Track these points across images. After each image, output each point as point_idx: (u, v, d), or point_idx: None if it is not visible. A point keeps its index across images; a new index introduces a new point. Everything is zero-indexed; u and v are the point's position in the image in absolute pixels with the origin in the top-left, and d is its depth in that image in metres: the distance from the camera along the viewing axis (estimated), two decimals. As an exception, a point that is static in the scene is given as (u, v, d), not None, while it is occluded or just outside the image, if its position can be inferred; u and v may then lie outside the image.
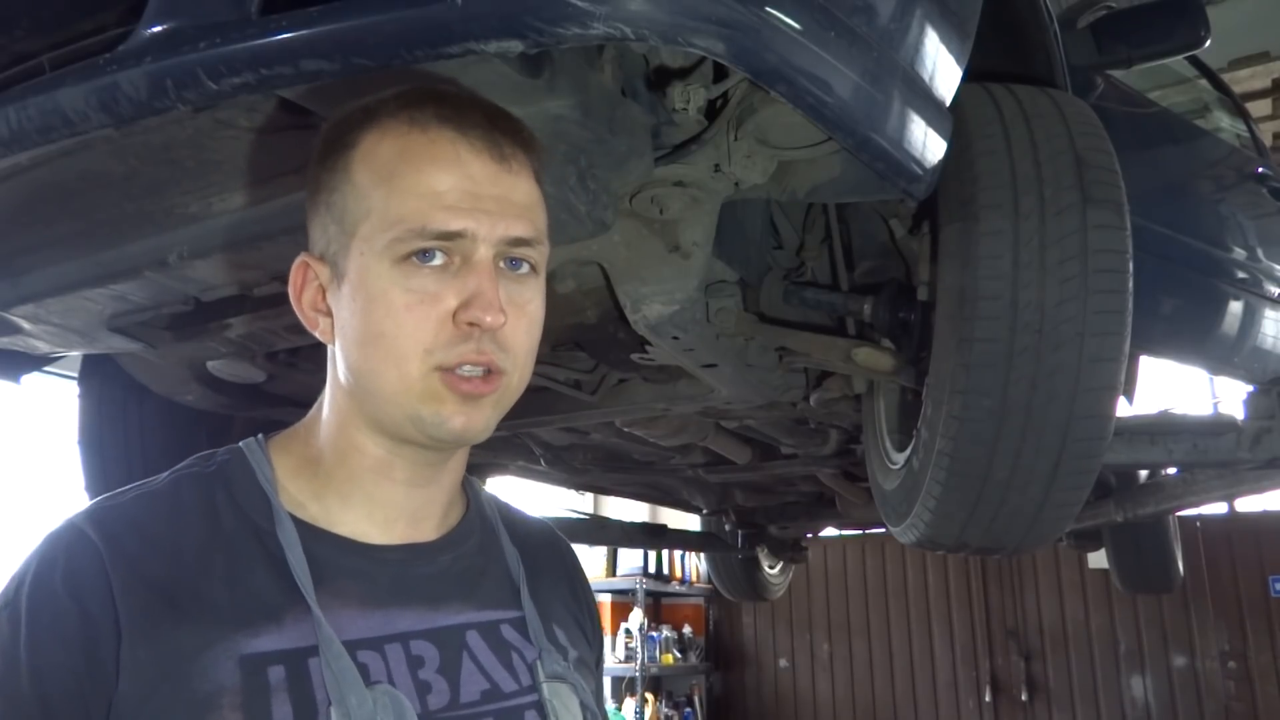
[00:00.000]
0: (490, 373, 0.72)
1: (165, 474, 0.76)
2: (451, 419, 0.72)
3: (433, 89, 0.75)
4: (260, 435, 0.80)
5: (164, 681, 0.64)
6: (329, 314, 0.75)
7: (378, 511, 0.77)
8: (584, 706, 0.79)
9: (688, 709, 6.85)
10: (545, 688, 0.77)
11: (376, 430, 0.75)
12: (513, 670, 0.77)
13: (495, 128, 0.73)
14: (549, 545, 0.93)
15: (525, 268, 0.74)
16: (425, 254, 0.70)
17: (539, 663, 0.79)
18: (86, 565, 0.67)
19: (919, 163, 1.05)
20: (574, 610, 0.89)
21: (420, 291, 0.70)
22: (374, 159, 0.72)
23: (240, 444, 0.79)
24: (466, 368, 0.71)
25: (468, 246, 0.70)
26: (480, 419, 0.73)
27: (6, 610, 0.67)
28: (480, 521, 0.86)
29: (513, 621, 0.81)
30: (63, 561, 0.68)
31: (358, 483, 0.77)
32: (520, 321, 0.73)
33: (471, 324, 0.70)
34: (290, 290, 0.78)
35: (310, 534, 0.74)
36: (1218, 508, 5.83)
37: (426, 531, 0.80)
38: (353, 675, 0.68)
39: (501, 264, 0.72)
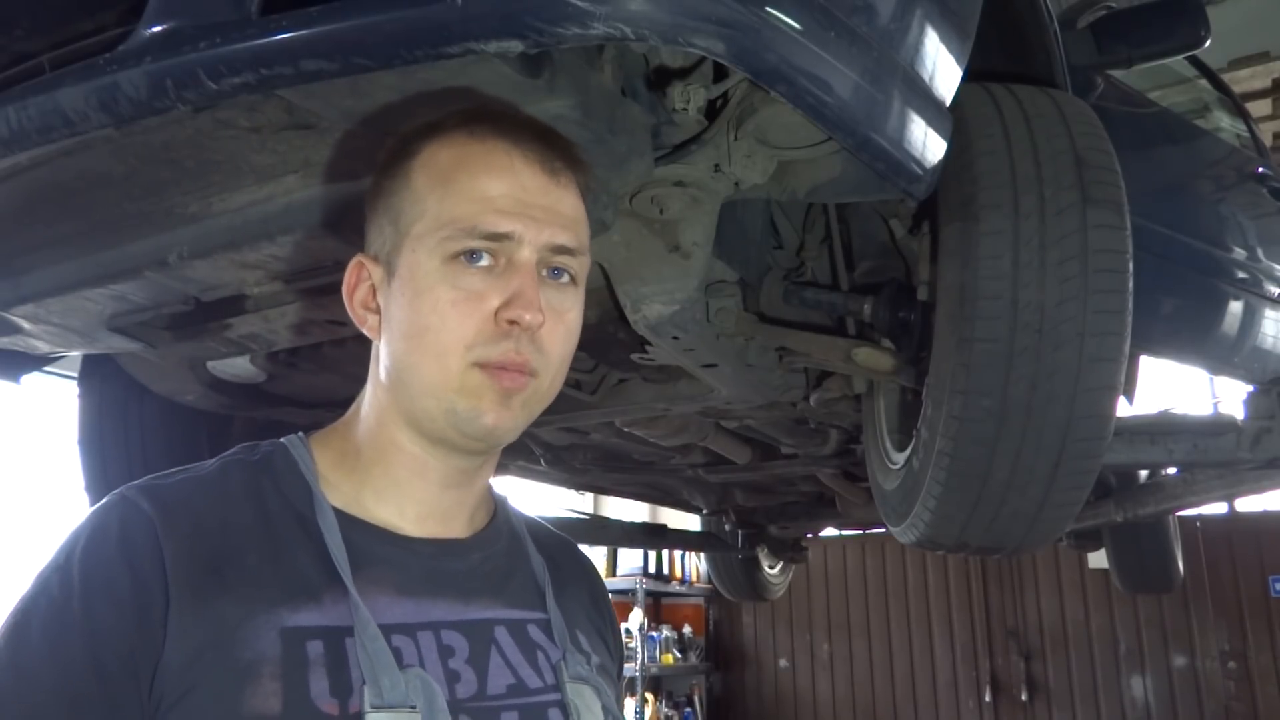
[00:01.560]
0: (523, 371, 0.75)
1: (212, 460, 0.79)
2: (485, 414, 0.75)
3: (492, 109, 0.81)
4: (301, 432, 0.83)
5: (208, 649, 0.66)
6: (378, 312, 0.79)
7: (410, 508, 0.80)
8: (606, 710, 0.81)
9: (688, 709, 6.85)
10: (569, 688, 0.79)
11: (413, 429, 0.78)
12: (538, 668, 0.79)
13: (547, 143, 0.78)
14: (572, 558, 0.96)
15: (566, 277, 0.78)
16: (473, 255, 0.74)
17: (563, 663, 0.81)
18: (140, 532, 0.70)
19: (919, 163, 1.05)
20: (596, 621, 0.91)
21: (466, 289, 0.74)
22: (433, 165, 0.76)
23: (283, 439, 0.82)
24: (504, 365, 0.74)
25: (513, 249, 0.74)
26: (510, 418, 0.76)
27: (58, 574, 0.69)
28: (507, 527, 0.89)
29: (538, 623, 0.83)
30: (117, 528, 0.70)
31: (393, 479, 0.80)
32: (558, 328, 0.77)
33: (512, 322, 0.73)
34: (344, 288, 0.81)
35: (348, 522, 0.77)
36: (1218, 508, 5.83)
37: (456, 530, 0.83)
38: (387, 657, 0.70)
39: (544, 272, 0.76)
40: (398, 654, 0.71)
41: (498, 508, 0.90)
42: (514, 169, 0.75)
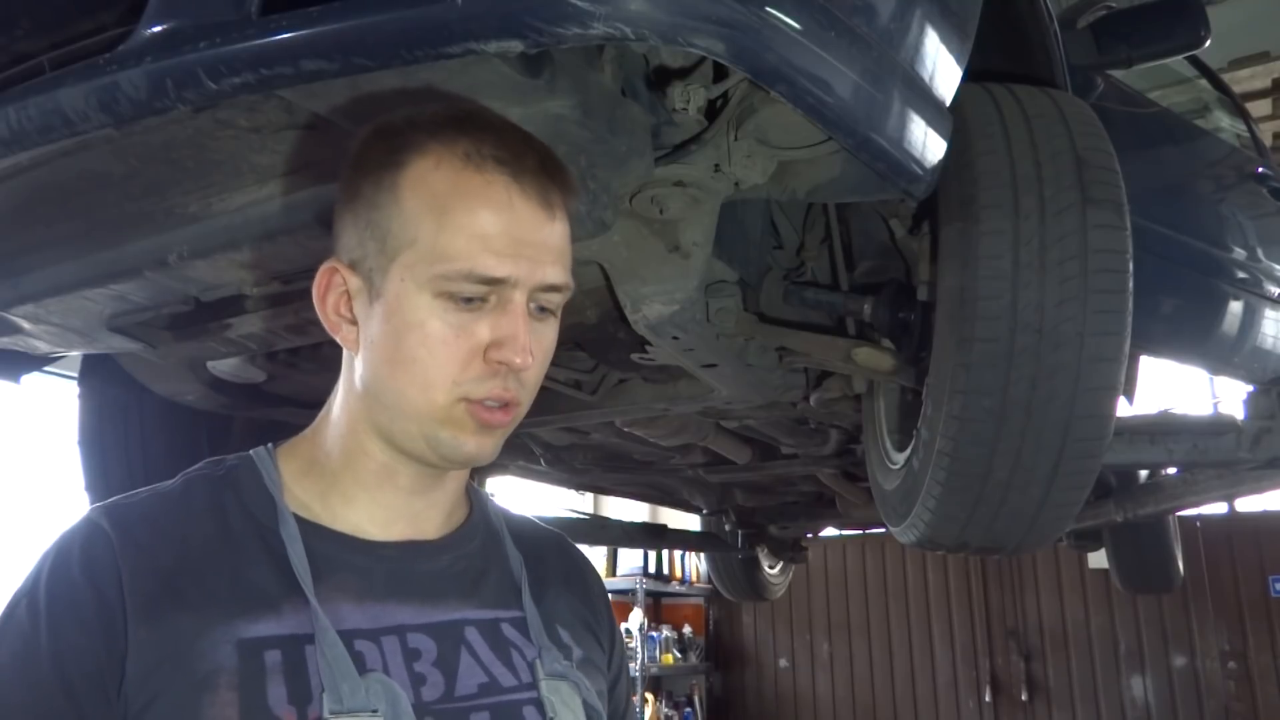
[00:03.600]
0: (508, 405, 0.76)
1: (177, 477, 0.79)
2: (466, 444, 0.76)
3: (485, 118, 0.77)
4: (270, 444, 0.83)
5: (165, 662, 0.67)
6: (353, 322, 0.77)
7: (379, 512, 0.80)
8: (587, 705, 0.80)
9: (688, 709, 6.85)
10: (545, 685, 0.79)
11: (385, 440, 0.78)
12: (512, 667, 0.79)
13: (545, 174, 0.75)
14: (557, 551, 0.94)
15: (549, 311, 0.78)
16: (467, 297, 0.73)
17: (539, 661, 0.80)
18: (100, 552, 0.71)
19: (919, 163, 1.05)
20: (583, 613, 0.90)
21: (457, 326, 0.73)
22: (426, 187, 0.73)
23: (250, 451, 0.82)
24: (489, 401, 0.74)
25: (507, 290, 0.73)
26: (490, 445, 0.77)
27: (25, 599, 0.70)
28: (484, 526, 0.88)
29: (513, 620, 0.82)
30: (79, 550, 0.71)
31: (361, 484, 0.79)
32: (539, 361, 0.77)
33: (501, 362, 0.73)
34: (314, 291, 0.79)
35: (312, 531, 0.77)
36: (1218, 508, 5.83)
37: (428, 531, 0.82)
38: (346, 663, 0.70)
39: (531, 307, 0.75)
40: (360, 659, 0.71)
41: (475, 506, 0.89)
42: (512, 206, 0.73)
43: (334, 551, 0.76)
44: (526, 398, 0.77)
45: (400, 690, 0.71)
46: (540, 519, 0.99)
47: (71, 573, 0.70)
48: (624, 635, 6.08)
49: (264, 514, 0.76)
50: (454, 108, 0.78)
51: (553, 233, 0.75)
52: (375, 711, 0.69)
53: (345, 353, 0.80)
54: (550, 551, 0.93)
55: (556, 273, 0.75)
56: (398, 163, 0.74)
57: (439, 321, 0.73)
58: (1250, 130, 3.07)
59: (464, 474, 0.85)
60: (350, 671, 0.70)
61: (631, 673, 6.08)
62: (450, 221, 0.72)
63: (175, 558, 0.72)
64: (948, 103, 1.11)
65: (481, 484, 3.09)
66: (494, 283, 0.72)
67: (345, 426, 0.80)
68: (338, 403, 0.81)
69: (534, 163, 0.75)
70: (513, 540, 0.89)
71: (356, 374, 0.78)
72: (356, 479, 0.79)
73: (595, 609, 0.92)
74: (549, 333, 0.79)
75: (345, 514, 0.79)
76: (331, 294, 0.78)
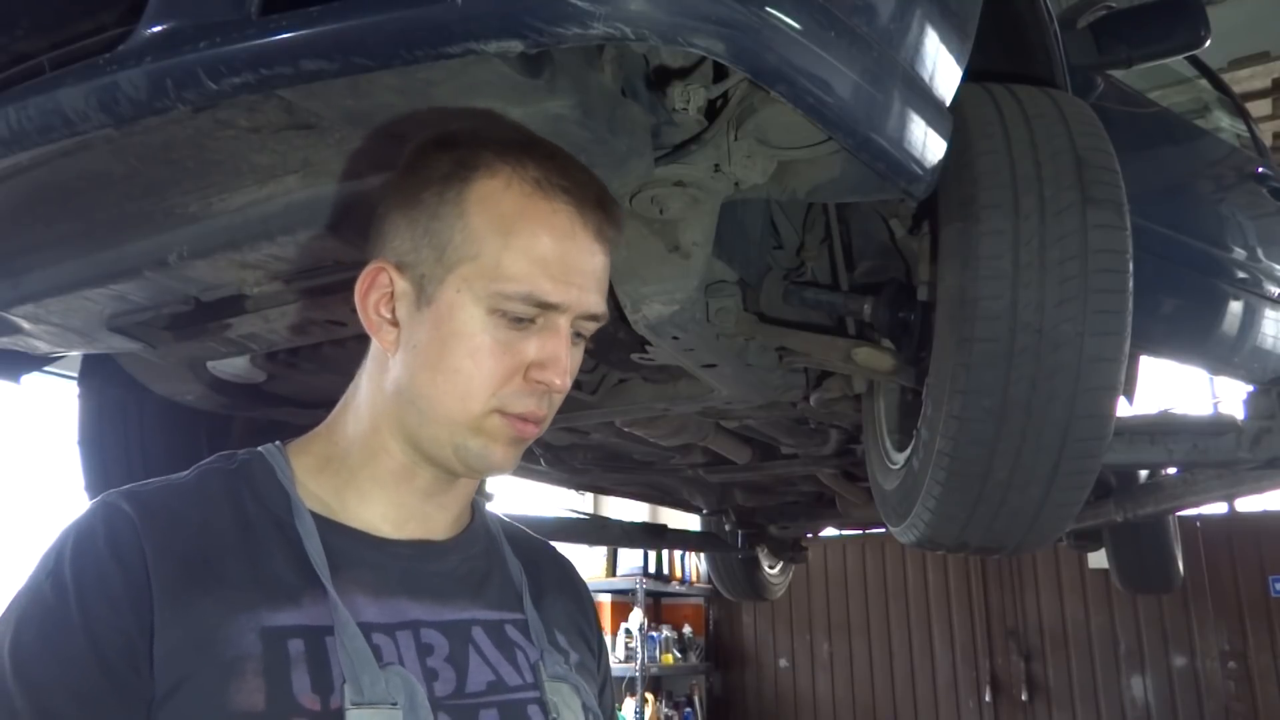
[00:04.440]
0: (537, 421, 0.79)
1: (189, 470, 0.80)
2: (493, 454, 0.79)
3: (548, 146, 0.81)
4: (278, 441, 0.84)
5: (190, 646, 0.68)
6: (394, 323, 0.79)
7: (392, 511, 0.82)
8: (585, 707, 0.82)
9: (688, 709, 6.85)
10: (548, 686, 0.81)
11: (408, 442, 0.80)
12: (517, 666, 0.81)
13: (602, 208, 0.80)
14: (552, 561, 0.97)
15: (583, 337, 0.81)
16: (519, 318, 0.76)
17: (541, 663, 0.82)
18: (124, 531, 0.71)
19: (919, 163, 1.05)
20: (577, 620, 0.92)
21: (505, 343, 0.77)
22: (494, 206, 0.76)
23: (260, 448, 0.83)
24: (524, 415, 0.78)
25: (554, 315, 0.77)
26: (514, 456, 0.81)
27: (50, 578, 0.70)
28: (485, 530, 0.91)
29: (516, 623, 0.84)
30: (102, 529, 0.72)
31: (378, 482, 0.81)
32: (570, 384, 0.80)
33: (541, 382, 0.76)
34: (357, 289, 0.80)
35: (327, 526, 0.78)
36: (1218, 508, 5.83)
37: (437, 532, 0.84)
38: (366, 655, 0.71)
39: (570, 333, 0.79)
40: (377, 652, 0.72)
41: (475, 511, 0.91)
42: (575, 235, 0.77)
43: (349, 547, 0.78)
44: (551, 414, 0.81)
45: (417, 684, 0.72)
46: (540, 519, 1.01)
47: (98, 549, 0.70)
48: (624, 635, 6.10)
49: (278, 507, 0.78)
50: (517, 132, 0.83)
51: (600, 263, 0.80)
52: (394, 704, 0.70)
53: (373, 351, 0.82)
54: (544, 560, 0.95)
55: (599, 302, 0.80)
56: (464, 177, 0.76)
57: (488, 336, 0.76)
58: (1250, 130, 3.07)
59: (476, 480, 0.87)
60: (370, 663, 0.71)
61: (632, 673, 6.11)
62: (514, 243, 0.75)
63: (195, 543, 0.73)
64: (948, 103, 1.11)
65: (481, 483, 3.09)
66: (547, 307, 0.76)
67: (368, 424, 0.81)
68: (361, 400, 0.83)
69: (594, 196, 0.79)
70: (509, 548, 0.91)
71: (389, 375, 0.79)
72: (374, 477, 0.81)
73: (587, 616, 0.95)
74: (578, 357, 0.82)
75: (359, 511, 0.80)
76: (374, 293, 0.79)
